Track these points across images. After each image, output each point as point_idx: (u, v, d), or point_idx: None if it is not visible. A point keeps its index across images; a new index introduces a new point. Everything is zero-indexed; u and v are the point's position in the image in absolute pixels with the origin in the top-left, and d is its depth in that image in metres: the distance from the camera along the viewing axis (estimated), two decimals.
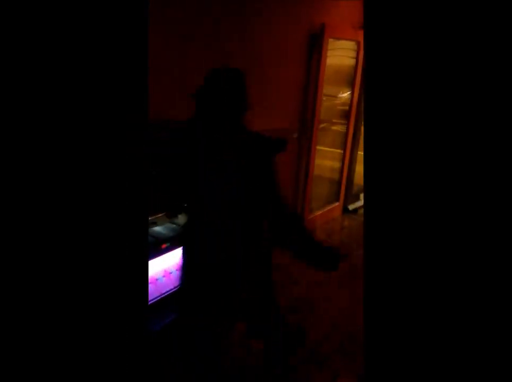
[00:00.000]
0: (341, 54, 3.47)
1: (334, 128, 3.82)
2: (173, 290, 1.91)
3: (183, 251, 1.48)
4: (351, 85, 3.57)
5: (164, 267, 1.87)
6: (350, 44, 3.42)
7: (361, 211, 4.00)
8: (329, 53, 3.11)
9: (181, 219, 1.64)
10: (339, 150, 3.83)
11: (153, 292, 1.85)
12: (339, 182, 3.87)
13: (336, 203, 3.88)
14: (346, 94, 3.67)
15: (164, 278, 1.89)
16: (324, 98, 3.26)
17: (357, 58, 3.46)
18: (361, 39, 3.24)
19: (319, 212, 3.64)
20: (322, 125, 3.45)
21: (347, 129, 3.71)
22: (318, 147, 3.40)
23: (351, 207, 4.03)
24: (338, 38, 3.19)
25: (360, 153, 3.89)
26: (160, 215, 1.86)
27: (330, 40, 3.04)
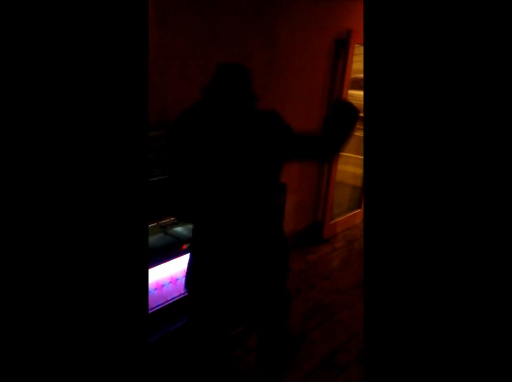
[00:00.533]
0: None
1: (357, 133, 3.78)
2: None
3: (192, 253, 1.47)
4: None
5: (185, 267, 1.89)
6: None
7: None
8: (355, 58, 3.09)
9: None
10: (362, 157, 3.78)
11: (173, 291, 1.88)
12: (361, 189, 3.83)
13: (358, 210, 3.84)
14: None
15: (184, 278, 1.91)
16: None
17: None
18: None
19: (340, 218, 3.61)
20: None
21: None
22: (341, 153, 3.37)
23: None
24: None
25: None
26: None
27: (356, 45, 3.03)
